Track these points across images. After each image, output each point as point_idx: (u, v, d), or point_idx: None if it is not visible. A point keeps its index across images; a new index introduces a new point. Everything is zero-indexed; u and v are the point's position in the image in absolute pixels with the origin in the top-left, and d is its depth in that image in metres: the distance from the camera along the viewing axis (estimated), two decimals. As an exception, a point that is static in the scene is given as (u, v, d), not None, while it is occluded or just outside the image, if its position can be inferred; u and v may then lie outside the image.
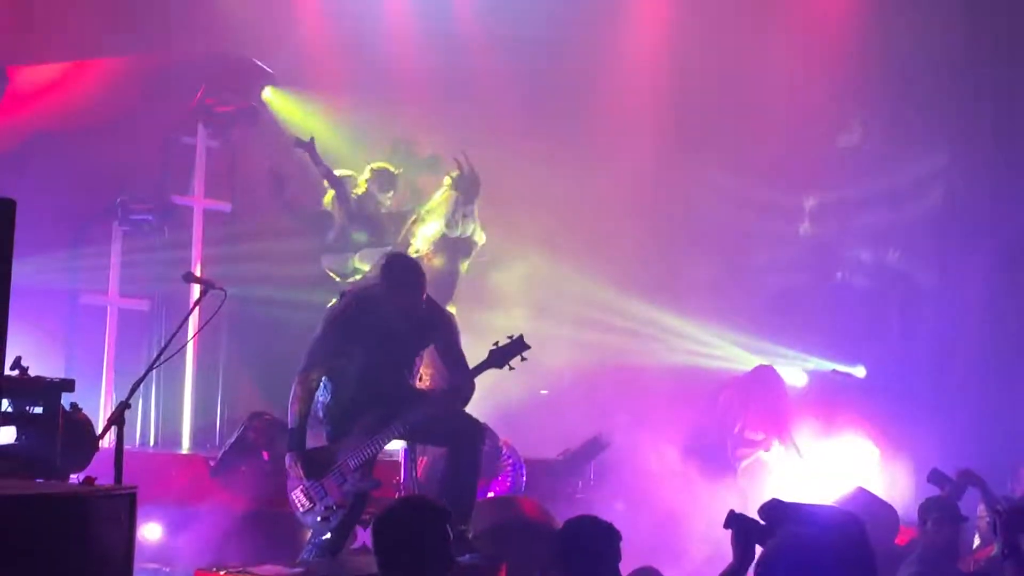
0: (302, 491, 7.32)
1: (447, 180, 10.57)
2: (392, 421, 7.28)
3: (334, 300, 7.85)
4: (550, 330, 12.43)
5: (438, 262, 10.64)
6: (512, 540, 7.75)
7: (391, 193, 11.03)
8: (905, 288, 13.35)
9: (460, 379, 7.44)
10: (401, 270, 7.55)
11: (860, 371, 13.02)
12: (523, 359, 7.32)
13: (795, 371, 12.92)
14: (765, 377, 11.35)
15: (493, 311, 11.23)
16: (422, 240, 10.63)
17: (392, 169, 10.79)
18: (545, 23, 12.99)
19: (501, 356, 7.31)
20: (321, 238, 11.09)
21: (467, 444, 7.48)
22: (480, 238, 10.79)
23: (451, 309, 10.45)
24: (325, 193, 11.29)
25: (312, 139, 10.77)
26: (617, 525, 5.78)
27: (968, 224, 12.92)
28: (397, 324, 7.39)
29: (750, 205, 13.30)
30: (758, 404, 11.09)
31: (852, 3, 12.89)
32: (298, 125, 12.55)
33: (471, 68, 13.11)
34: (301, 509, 7.37)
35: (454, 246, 10.71)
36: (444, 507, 5.49)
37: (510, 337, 7.35)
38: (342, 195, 10.70)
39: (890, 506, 9.21)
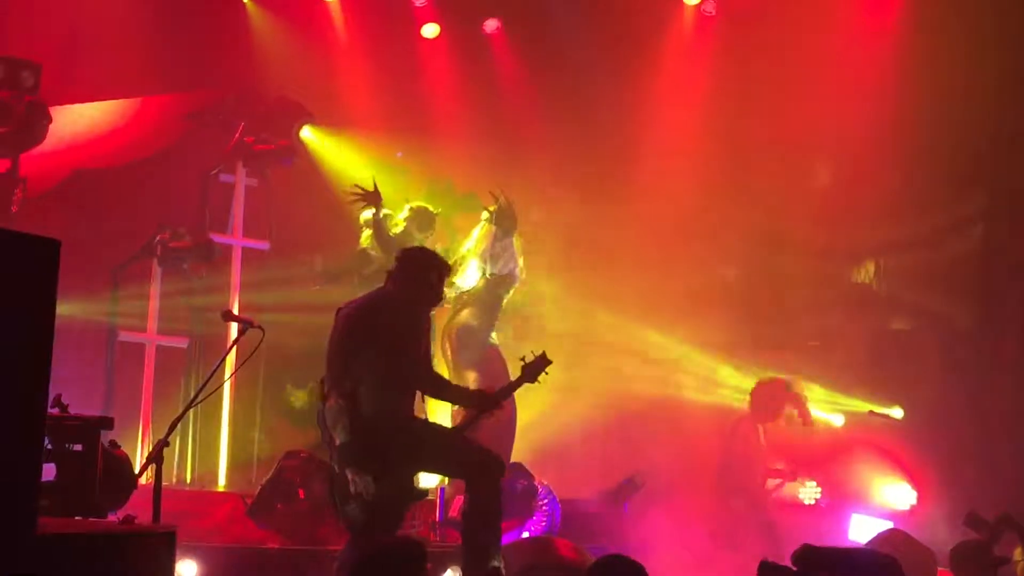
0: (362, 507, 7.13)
1: (484, 215, 10.57)
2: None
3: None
4: (586, 371, 12.49)
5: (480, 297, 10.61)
6: (548, 580, 7.74)
7: (430, 233, 11.02)
8: (944, 329, 13.28)
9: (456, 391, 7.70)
10: (416, 262, 7.55)
11: (898, 412, 12.95)
12: (546, 373, 7.65)
13: (832, 411, 12.88)
14: (765, 399, 11.30)
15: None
16: (466, 277, 10.60)
17: (431, 208, 10.77)
18: (582, 60, 13.07)
19: (533, 371, 7.64)
20: (359, 274, 11.05)
21: (485, 476, 7.41)
22: (523, 273, 10.76)
23: (494, 339, 10.48)
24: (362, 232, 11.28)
25: (377, 189, 10.52)
26: (652, 564, 5.76)
27: (1007, 265, 12.85)
28: (405, 324, 7.39)
29: (788, 246, 13.27)
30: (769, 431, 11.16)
31: (892, 43, 12.85)
32: (335, 164, 12.66)
33: (506, 107, 13.20)
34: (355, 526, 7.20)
35: (496, 281, 10.68)
36: (422, 549, 5.61)
37: (534, 353, 7.65)
38: (383, 239, 10.58)
39: (927, 548, 9.13)
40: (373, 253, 10.72)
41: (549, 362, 7.65)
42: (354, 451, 7.05)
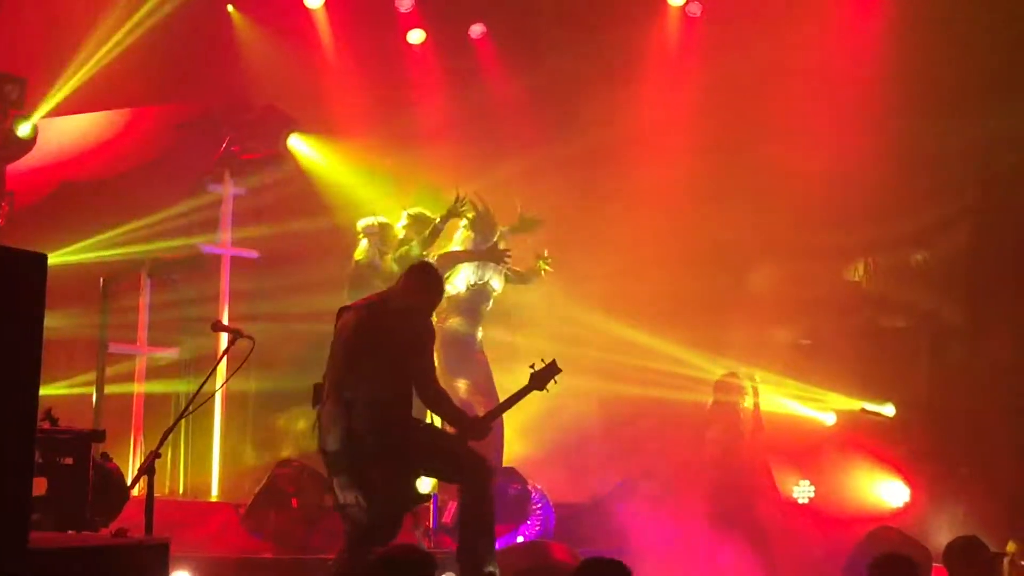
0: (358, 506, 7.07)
1: (463, 221, 10.58)
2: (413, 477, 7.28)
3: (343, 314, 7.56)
4: (580, 374, 12.48)
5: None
6: (542, 585, 7.74)
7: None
8: (935, 327, 13.31)
9: (454, 411, 7.62)
10: (425, 275, 7.53)
11: (889, 409, 12.97)
12: (555, 382, 7.58)
13: (824, 410, 12.92)
14: (723, 393, 11.42)
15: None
16: (454, 284, 10.58)
17: (429, 214, 10.77)
18: (567, 64, 13.08)
19: (541, 379, 7.57)
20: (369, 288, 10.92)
21: (477, 481, 7.37)
22: (498, 284, 10.73)
23: (480, 339, 10.47)
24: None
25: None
26: (647, 567, 5.77)
27: (996, 261, 12.88)
28: (408, 333, 7.35)
29: (779, 245, 13.28)
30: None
31: (878, 40, 12.88)
32: (323, 171, 12.66)
33: (492, 111, 13.21)
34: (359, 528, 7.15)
35: (479, 289, 10.66)
36: (431, 558, 5.64)
37: (543, 360, 7.58)
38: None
39: (923, 546, 9.14)
40: (366, 265, 10.64)
41: (559, 370, 7.57)
42: (342, 462, 7.02)
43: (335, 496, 7.11)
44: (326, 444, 7.05)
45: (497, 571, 7.35)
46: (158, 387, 11.39)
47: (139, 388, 11.26)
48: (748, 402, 11.43)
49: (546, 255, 10.68)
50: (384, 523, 7.10)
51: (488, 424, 7.61)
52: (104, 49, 11.37)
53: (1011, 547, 8.33)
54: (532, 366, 7.61)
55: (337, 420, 7.00)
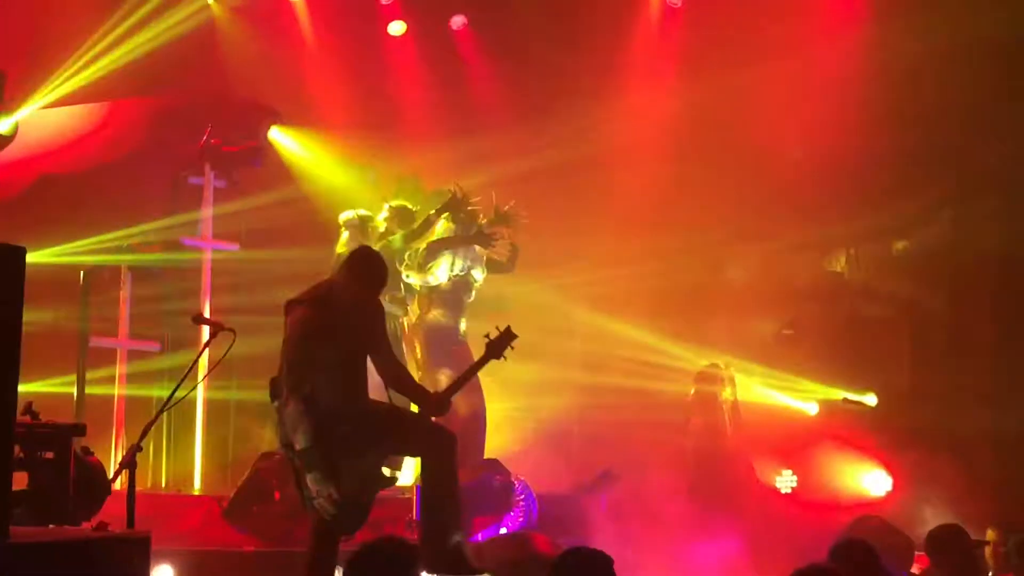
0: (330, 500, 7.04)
1: (444, 213, 10.60)
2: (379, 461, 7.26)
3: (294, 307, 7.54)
4: (560, 364, 12.50)
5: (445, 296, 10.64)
6: (525, 575, 7.73)
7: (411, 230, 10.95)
8: (916, 316, 13.36)
9: (418, 390, 7.63)
10: (370, 263, 7.54)
11: (871, 399, 13.02)
12: (512, 348, 7.55)
13: (806, 399, 12.96)
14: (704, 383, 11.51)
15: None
16: (436, 276, 10.57)
17: (410, 206, 10.77)
18: (549, 55, 13.07)
19: (497, 347, 7.55)
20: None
21: (436, 451, 7.35)
22: (479, 274, 10.75)
23: (463, 333, 10.47)
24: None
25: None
26: (629, 557, 5.77)
27: (977, 250, 12.93)
28: (358, 320, 7.30)
29: (760, 235, 13.30)
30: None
31: (860, 29, 12.89)
32: (304, 164, 12.64)
33: (473, 103, 13.20)
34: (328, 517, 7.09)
35: (460, 280, 10.66)
36: (414, 550, 5.65)
37: (498, 329, 7.56)
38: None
39: (904, 534, 9.16)
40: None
41: (514, 336, 7.55)
42: (315, 458, 6.96)
43: (302, 490, 7.09)
44: (295, 443, 6.97)
45: (463, 540, 7.32)
46: (139, 381, 11.36)
47: (120, 382, 11.22)
48: (728, 393, 11.49)
49: (500, 209, 10.67)
50: (353, 512, 7.08)
51: (448, 399, 7.56)
52: (87, 43, 11.34)
53: (991, 535, 8.35)
54: (487, 335, 7.59)
55: (303, 418, 6.93)
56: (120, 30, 11.52)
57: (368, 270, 7.50)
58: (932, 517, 9.60)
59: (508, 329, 7.57)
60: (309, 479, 6.98)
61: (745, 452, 11.51)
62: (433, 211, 10.48)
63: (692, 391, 11.86)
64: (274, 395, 7.17)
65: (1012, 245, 12.60)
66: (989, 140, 12.75)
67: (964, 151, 12.92)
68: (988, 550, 8.04)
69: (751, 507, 10.81)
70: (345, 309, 7.27)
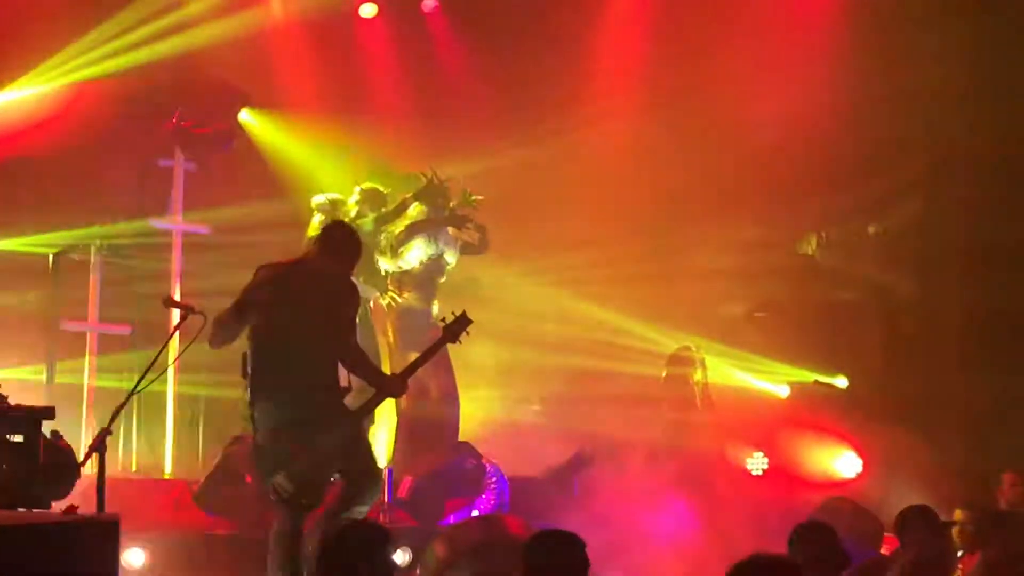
0: (286, 476, 7.08)
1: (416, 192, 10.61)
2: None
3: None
4: (531, 346, 12.52)
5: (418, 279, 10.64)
6: (497, 558, 7.73)
7: (382, 212, 10.95)
8: (887, 299, 13.42)
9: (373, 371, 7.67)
10: (343, 237, 7.59)
11: (842, 381, 13.08)
12: (467, 333, 7.66)
13: (778, 382, 13.01)
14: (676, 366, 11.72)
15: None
16: (409, 259, 10.56)
17: (381, 188, 10.76)
18: (521, 37, 13.04)
19: (453, 332, 7.65)
20: None
21: (369, 488, 7.38)
22: (452, 257, 10.76)
23: (435, 316, 10.46)
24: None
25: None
26: (602, 538, 5.79)
27: (947, 233, 12.99)
28: (320, 293, 7.34)
29: (732, 218, 13.32)
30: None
31: (833, 10, 12.90)
32: (275, 146, 12.58)
33: (445, 85, 13.17)
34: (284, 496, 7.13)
35: (433, 263, 10.67)
36: (386, 532, 5.73)
37: (454, 314, 7.67)
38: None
39: (874, 516, 9.21)
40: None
41: (470, 321, 7.65)
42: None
43: (258, 464, 7.22)
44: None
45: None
46: (110, 364, 11.31)
47: (91, 366, 11.17)
48: (699, 375, 11.56)
49: (469, 193, 10.72)
50: (308, 489, 7.10)
51: (404, 380, 7.56)
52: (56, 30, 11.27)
53: (959, 515, 8.43)
54: (443, 319, 7.71)
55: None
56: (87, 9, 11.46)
57: (341, 243, 7.53)
58: (901, 498, 9.64)
59: (464, 314, 7.67)
60: (256, 436, 7.15)
61: (716, 434, 11.55)
62: (408, 195, 10.48)
63: (664, 374, 11.93)
64: (244, 370, 7.25)
65: (982, 228, 12.66)
66: (959, 124, 12.80)
67: (934, 134, 12.96)
68: (956, 531, 8.09)
69: (720, 488, 10.85)
70: (308, 278, 7.33)
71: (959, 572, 7.85)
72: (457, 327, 7.65)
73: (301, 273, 7.38)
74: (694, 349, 12.02)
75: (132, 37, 11.67)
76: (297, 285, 7.30)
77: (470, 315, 7.68)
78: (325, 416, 7.19)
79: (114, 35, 11.59)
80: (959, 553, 8.16)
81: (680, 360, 11.95)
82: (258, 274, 7.38)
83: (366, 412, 7.62)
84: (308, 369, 7.21)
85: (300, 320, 7.19)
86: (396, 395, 7.81)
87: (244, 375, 7.25)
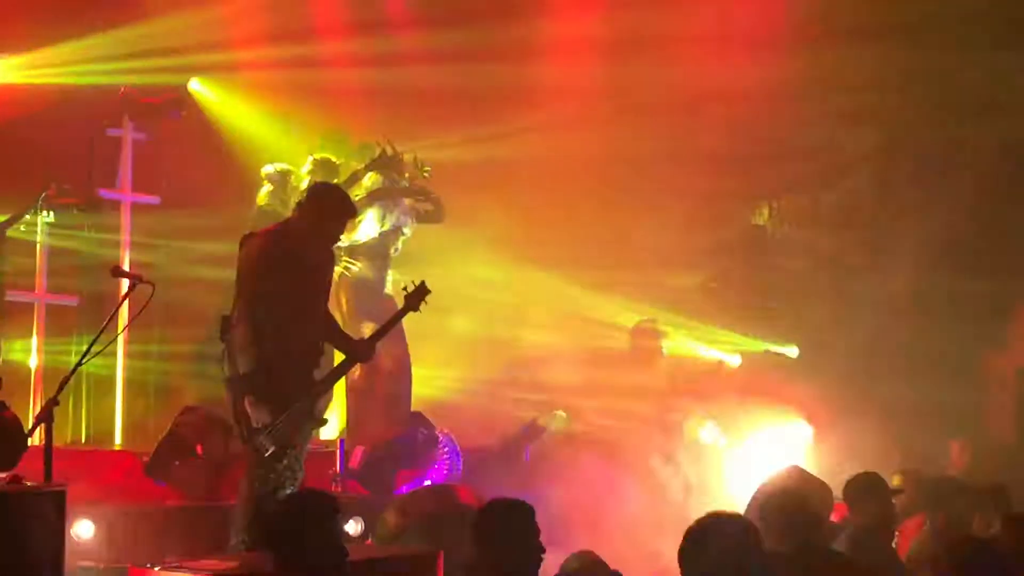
0: (269, 436, 7.11)
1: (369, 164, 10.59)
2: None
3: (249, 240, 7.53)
4: (484, 318, 12.52)
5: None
6: (448, 528, 7.73)
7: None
8: (837, 268, 13.51)
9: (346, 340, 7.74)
10: (332, 196, 7.67)
11: (793, 350, 13.16)
12: (426, 302, 7.77)
13: (729, 351, 13.07)
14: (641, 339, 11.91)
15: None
16: (362, 230, 10.52)
17: (334, 159, 10.71)
18: (475, 6, 12.97)
19: (414, 300, 7.76)
20: None
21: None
22: (408, 229, 10.75)
23: (389, 288, 10.45)
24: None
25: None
26: (553, 507, 5.81)
27: (897, 202, 13.09)
28: (309, 258, 7.44)
29: (685, 190, 13.34)
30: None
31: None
32: (225, 115, 12.48)
33: (399, 55, 13.08)
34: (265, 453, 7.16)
35: (388, 234, 10.65)
36: (335, 501, 5.75)
37: (413, 283, 7.78)
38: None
39: (824, 483, 9.26)
40: (269, 211, 10.57)
41: (428, 291, 7.74)
42: (257, 382, 7.08)
43: (242, 428, 7.15)
44: (240, 366, 7.11)
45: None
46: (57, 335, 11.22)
47: (38, 336, 11.07)
48: (662, 347, 11.70)
49: (421, 163, 10.74)
50: (289, 451, 7.16)
51: (372, 346, 7.73)
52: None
53: (896, 480, 8.56)
54: (405, 288, 7.83)
55: (252, 342, 7.08)
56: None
57: (332, 203, 7.59)
58: (851, 467, 9.71)
59: (423, 283, 7.77)
60: (247, 402, 7.07)
61: (673, 403, 11.63)
62: (361, 166, 10.45)
63: (630, 346, 12.02)
64: (224, 331, 7.28)
65: (931, 199, 12.76)
66: (909, 91, 12.89)
67: (885, 103, 13.04)
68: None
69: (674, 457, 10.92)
70: (296, 245, 7.39)
71: (898, 536, 7.95)
72: (417, 296, 7.75)
73: (290, 235, 7.44)
74: (657, 321, 12.14)
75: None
76: (290, 249, 7.36)
77: (425, 283, 7.76)
78: (309, 373, 7.38)
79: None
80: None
81: (646, 333, 12.05)
82: (251, 244, 7.39)
83: (338, 376, 7.84)
84: (304, 333, 7.34)
85: (295, 283, 7.30)
86: (364, 360, 7.98)
87: (222, 338, 7.28)
